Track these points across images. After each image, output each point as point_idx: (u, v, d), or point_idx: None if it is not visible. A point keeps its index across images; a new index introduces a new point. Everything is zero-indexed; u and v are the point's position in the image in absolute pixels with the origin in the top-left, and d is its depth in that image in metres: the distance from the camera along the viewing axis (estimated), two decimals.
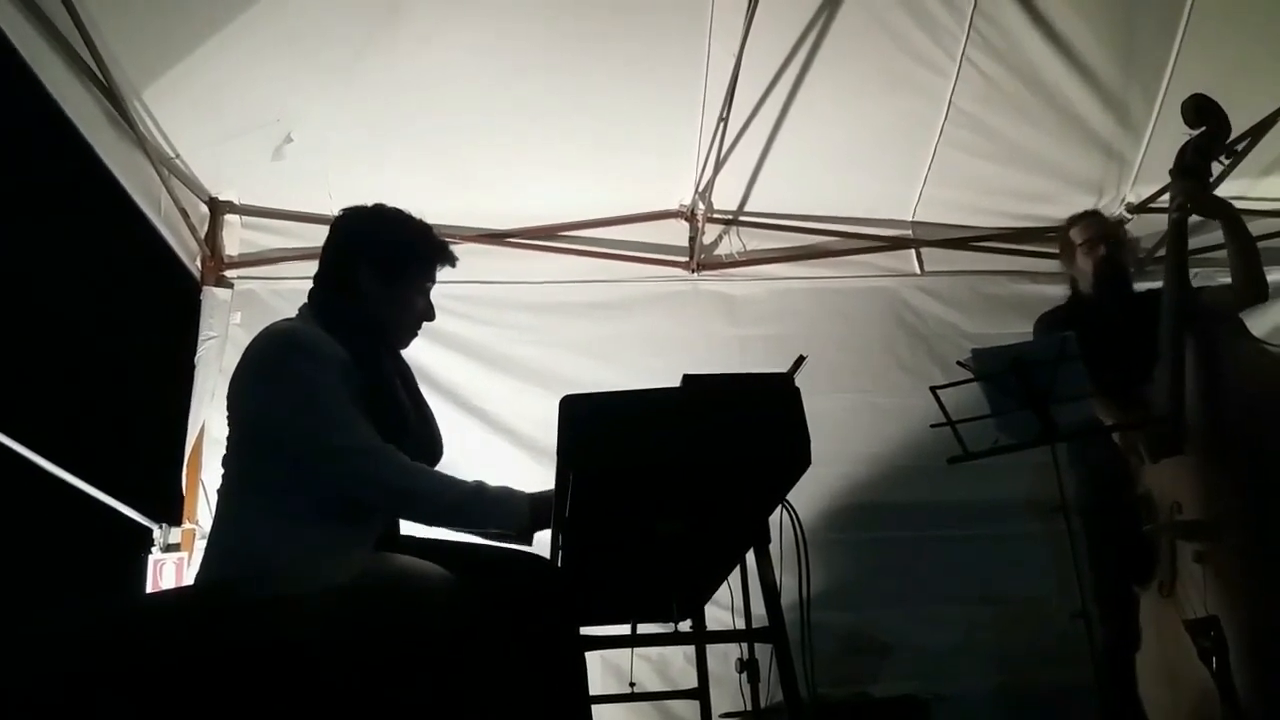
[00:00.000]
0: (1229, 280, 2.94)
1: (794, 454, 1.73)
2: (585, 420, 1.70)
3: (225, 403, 2.11)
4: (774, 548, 2.12)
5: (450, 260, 2.26)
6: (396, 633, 1.44)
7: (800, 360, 1.99)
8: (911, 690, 3.51)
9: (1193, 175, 2.76)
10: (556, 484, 1.87)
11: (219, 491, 2.08)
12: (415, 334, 2.27)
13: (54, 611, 1.62)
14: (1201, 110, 2.71)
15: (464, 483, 2.01)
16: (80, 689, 1.47)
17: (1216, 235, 3.53)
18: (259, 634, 1.41)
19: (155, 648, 1.51)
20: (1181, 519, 2.57)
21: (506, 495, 2.04)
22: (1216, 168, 2.77)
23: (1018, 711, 3.79)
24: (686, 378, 1.78)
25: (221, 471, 2.09)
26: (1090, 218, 3.41)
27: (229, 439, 2.10)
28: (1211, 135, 2.71)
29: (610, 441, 1.70)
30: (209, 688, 1.45)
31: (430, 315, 2.26)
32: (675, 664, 3.65)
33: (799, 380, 1.85)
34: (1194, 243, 3.93)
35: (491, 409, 4.15)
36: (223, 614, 1.49)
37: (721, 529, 2.10)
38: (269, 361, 2.03)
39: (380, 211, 2.24)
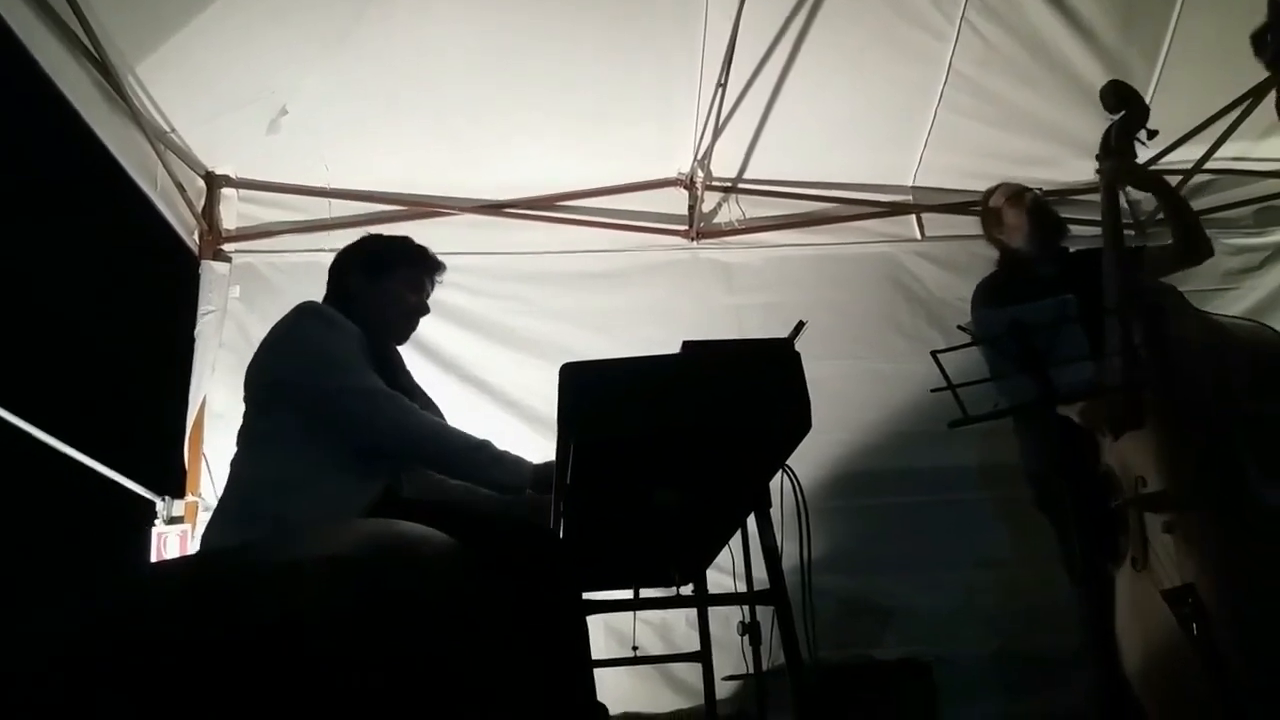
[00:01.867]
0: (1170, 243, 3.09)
1: (795, 418, 1.74)
2: (585, 387, 1.71)
3: (244, 379, 2.22)
4: (774, 512, 2.13)
5: (435, 265, 2.46)
6: (399, 602, 1.45)
7: (800, 326, 2.00)
8: (912, 653, 3.53)
9: (1120, 156, 2.89)
10: (557, 451, 1.88)
11: (232, 462, 2.16)
12: (411, 328, 2.44)
13: (55, 605, 1.64)
14: (1120, 96, 2.86)
15: (471, 435, 2.15)
16: (85, 671, 1.48)
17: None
18: (260, 608, 1.43)
19: (155, 629, 1.52)
20: (1148, 491, 2.59)
21: (511, 457, 2.16)
22: (1141, 150, 2.90)
23: (1017, 675, 3.81)
24: (686, 344, 1.79)
25: (235, 446, 2.18)
26: (1004, 184, 3.41)
27: (246, 412, 2.20)
28: (1132, 118, 2.85)
29: (611, 408, 1.71)
30: (211, 664, 1.47)
31: (424, 310, 2.45)
32: (678, 629, 3.67)
33: (798, 346, 1.86)
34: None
35: (492, 380, 4.15)
36: (224, 588, 1.50)
37: (722, 494, 2.11)
38: (291, 329, 2.20)
39: (367, 234, 2.55)
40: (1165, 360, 2.66)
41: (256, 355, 2.21)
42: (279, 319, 2.25)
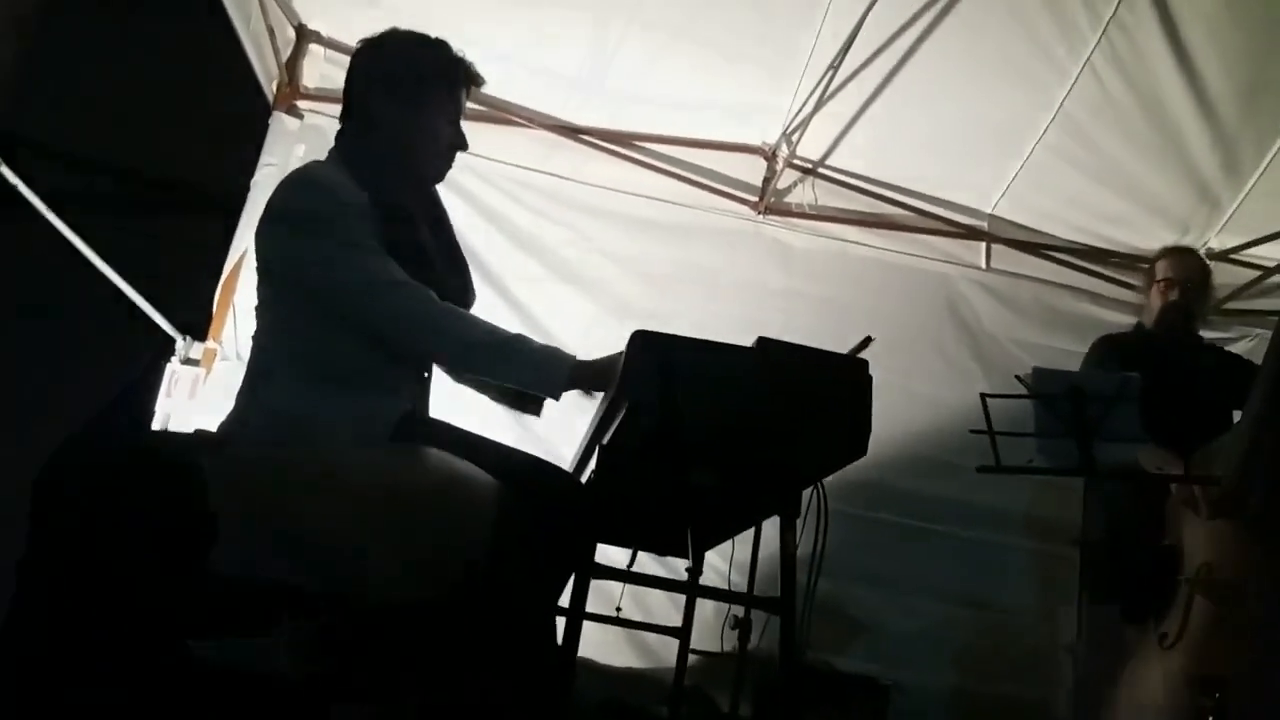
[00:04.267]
0: None
1: (853, 441, 1.72)
2: (655, 360, 1.67)
3: (254, 243, 2.05)
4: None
5: (470, 77, 2.10)
6: (456, 538, 1.44)
7: (867, 341, 1.96)
8: (874, 672, 3.56)
9: None
10: (605, 409, 1.85)
11: (253, 337, 2.04)
12: (446, 164, 2.12)
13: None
14: None
15: (500, 328, 1.90)
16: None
17: None
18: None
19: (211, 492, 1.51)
20: (1213, 578, 2.58)
21: (548, 353, 1.88)
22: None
23: (970, 716, 3.85)
24: (761, 340, 1.74)
25: (255, 321, 2.04)
26: (1179, 255, 3.42)
27: (257, 286, 2.03)
28: None
29: (675, 387, 1.67)
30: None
31: (461, 144, 2.11)
32: (652, 593, 3.67)
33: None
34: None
35: (524, 297, 4.11)
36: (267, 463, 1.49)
37: (754, 493, 2.09)
38: (285, 206, 1.96)
39: (389, 34, 2.10)
40: None
41: (262, 219, 1.99)
42: (283, 179, 2.03)
